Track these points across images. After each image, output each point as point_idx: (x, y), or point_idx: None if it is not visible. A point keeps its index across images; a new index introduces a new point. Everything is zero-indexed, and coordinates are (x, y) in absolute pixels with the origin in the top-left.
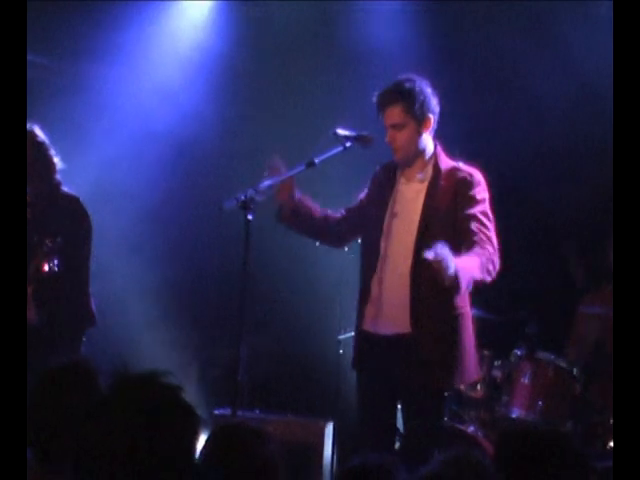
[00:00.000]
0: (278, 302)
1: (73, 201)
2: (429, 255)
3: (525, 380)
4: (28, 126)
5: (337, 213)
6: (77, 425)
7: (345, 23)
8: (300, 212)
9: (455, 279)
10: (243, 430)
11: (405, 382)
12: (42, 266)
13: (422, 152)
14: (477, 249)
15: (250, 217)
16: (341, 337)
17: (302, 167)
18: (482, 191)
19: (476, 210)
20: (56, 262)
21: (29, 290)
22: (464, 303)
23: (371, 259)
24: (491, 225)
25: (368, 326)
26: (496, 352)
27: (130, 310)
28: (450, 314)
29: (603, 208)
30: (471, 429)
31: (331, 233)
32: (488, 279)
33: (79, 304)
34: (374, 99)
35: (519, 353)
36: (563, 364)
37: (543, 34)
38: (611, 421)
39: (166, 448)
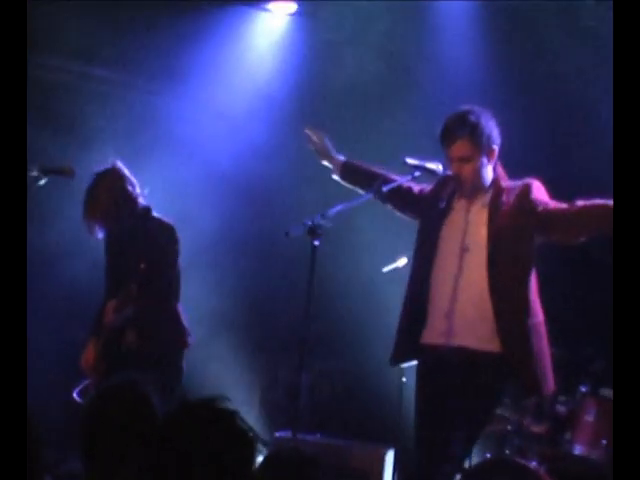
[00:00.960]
0: (344, 327)
1: (163, 227)
2: None
3: (589, 417)
4: (111, 163)
5: (394, 179)
6: (131, 446)
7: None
8: (350, 172)
9: None
10: (295, 455)
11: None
12: (134, 291)
13: (485, 181)
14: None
15: (317, 243)
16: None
17: (370, 195)
18: (542, 192)
19: (548, 207)
20: (148, 287)
21: (125, 314)
22: (538, 312)
23: (423, 277)
24: (565, 204)
25: (433, 339)
26: (561, 388)
27: (199, 333)
28: (530, 323)
29: None
30: (533, 464)
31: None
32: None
33: (172, 324)
34: (439, 132)
35: (584, 390)
36: None
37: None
38: None
39: (221, 473)
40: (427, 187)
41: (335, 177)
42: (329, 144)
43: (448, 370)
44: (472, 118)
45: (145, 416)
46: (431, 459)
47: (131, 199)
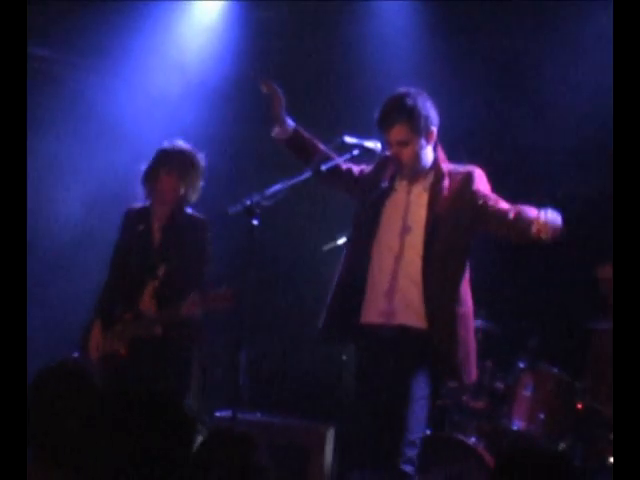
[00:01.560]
0: (282, 305)
1: (198, 223)
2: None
3: (527, 392)
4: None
5: (332, 157)
6: (74, 426)
7: (352, 24)
8: (298, 139)
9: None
10: (232, 436)
11: (410, 378)
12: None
13: (425, 163)
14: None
15: (255, 222)
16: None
17: (309, 174)
18: (484, 183)
19: (487, 200)
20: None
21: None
22: (464, 302)
23: (361, 255)
24: (503, 201)
25: (373, 318)
26: (498, 363)
27: None
28: (456, 312)
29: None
30: (472, 440)
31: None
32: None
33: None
34: (376, 116)
35: (521, 365)
36: (565, 377)
37: (552, 32)
38: (611, 436)
39: (162, 452)
40: (367, 168)
41: (278, 139)
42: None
43: (389, 349)
44: (409, 101)
45: (84, 392)
46: (373, 438)
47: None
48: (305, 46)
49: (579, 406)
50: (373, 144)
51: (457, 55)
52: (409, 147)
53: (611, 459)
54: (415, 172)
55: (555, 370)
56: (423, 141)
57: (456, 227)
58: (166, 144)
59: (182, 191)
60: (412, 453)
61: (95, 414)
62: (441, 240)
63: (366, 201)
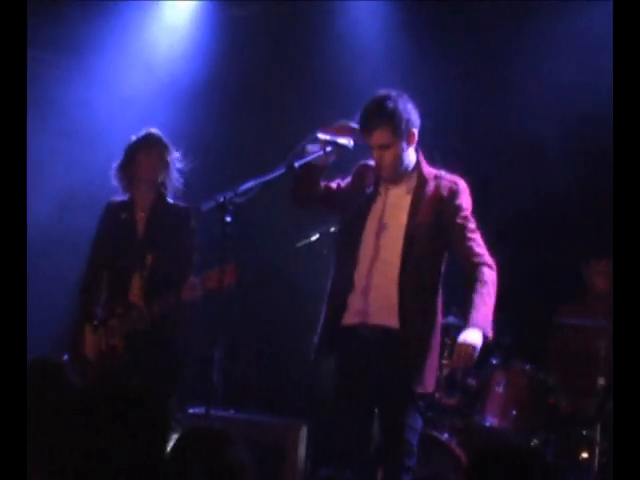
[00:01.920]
0: (256, 303)
1: (182, 211)
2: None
3: (499, 389)
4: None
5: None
6: (49, 420)
7: (331, 23)
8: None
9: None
10: (210, 433)
11: (387, 379)
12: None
13: (407, 165)
14: (486, 276)
15: (229, 219)
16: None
17: (282, 170)
18: (467, 199)
19: (466, 222)
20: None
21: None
22: (438, 312)
23: (348, 263)
24: (478, 233)
25: (352, 319)
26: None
27: None
28: (430, 319)
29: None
30: (445, 436)
31: (309, 193)
32: (492, 288)
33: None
34: (358, 120)
35: (494, 362)
36: (537, 374)
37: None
38: (584, 431)
39: (136, 449)
40: (343, 181)
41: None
42: None
43: (366, 350)
44: (389, 104)
45: (58, 386)
46: (354, 439)
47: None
48: (279, 45)
49: (551, 402)
50: (346, 140)
51: (431, 54)
52: (390, 150)
53: (584, 454)
54: (397, 175)
55: (527, 367)
56: (404, 144)
57: (435, 233)
58: (139, 133)
59: (162, 176)
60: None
61: (69, 412)
62: (421, 244)
63: (350, 209)
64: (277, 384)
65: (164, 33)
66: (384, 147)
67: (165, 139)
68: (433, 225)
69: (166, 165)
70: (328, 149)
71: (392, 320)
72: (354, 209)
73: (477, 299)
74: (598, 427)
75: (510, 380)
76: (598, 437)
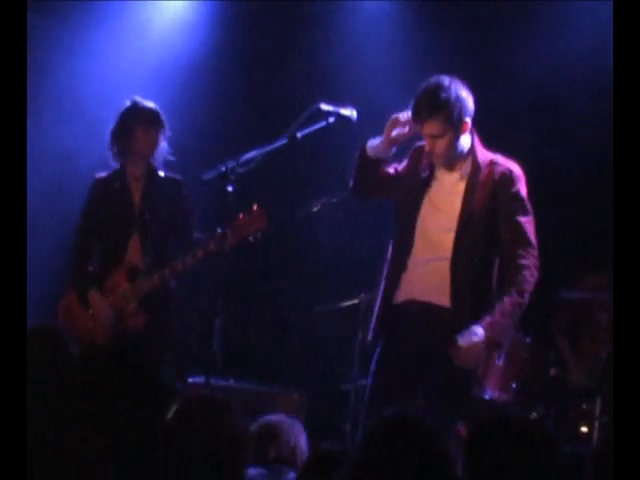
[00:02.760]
0: (257, 273)
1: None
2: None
3: (499, 361)
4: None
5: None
6: (49, 389)
7: (330, 21)
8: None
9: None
10: (209, 402)
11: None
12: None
13: (461, 151)
14: (523, 284)
15: (230, 188)
16: (318, 309)
17: (284, 141)
18: (523, 187)
19: (516, 214)
20: None
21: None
22: (491, 297)
23: (404, 245)
24: (532, 224)
25: (403, 297)
26: None
27: None
28: (482, 303)
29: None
30: None
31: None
32: (527, 296)
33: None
34: (410, 110)
35: None
36: (538, 347)
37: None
38: (584, 405)
39: (134, 422)
40: (400, 165)
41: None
42: None
43: (415, 326)
44: (442, 95)
45: (58, 357)
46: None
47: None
48: (276, 40)
49: (551, 375)
50: (349, 112)
51: (436, 49)
52: (443, 140)
53: (583, 428)
54: (449, 162)
55: (528, 339)
56: (457, 133)
57: (489, 219)
58: (135, 100)
59: (157, 150)
60: None
61: (69, 381)
62: (475, 229)
63: (406, 192)
64: (278, 354)
65: (161, 23)
66: (436, 137)
67: (163, 115)
68: (487, 212)
69: (161, 141)
70: (331, 120)
71: (443, 299)
72: (410, 192)
73: (499, 305)
74: (598, 401)
75: (510, 353)
76: (597, 411)
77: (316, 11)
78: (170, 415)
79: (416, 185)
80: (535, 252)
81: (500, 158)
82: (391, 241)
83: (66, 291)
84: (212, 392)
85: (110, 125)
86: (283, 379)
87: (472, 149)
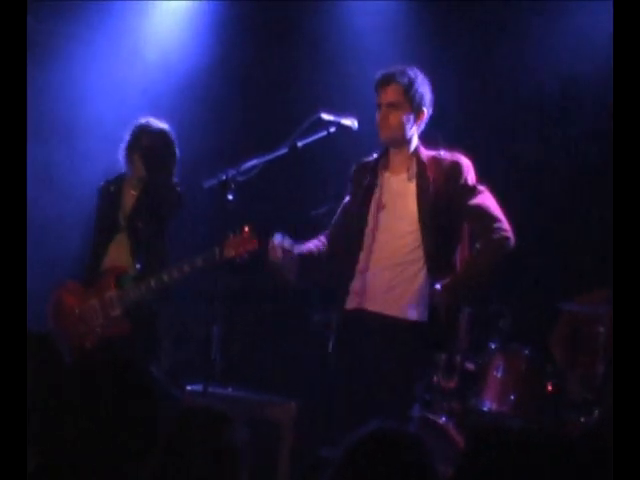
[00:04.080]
0: (257, 280)
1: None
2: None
3: (498, 373)
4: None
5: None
6: (44, 397)
7: (329, 20)
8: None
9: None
10: (208, 413)
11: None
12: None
13: (407, 143)
14: (480, 246)
15: (230, 197)
16: (318, 318)
17: (285, 150)
18: (471, 175)
19: (475, 200)
20: None
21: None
22: None
23: (351, 253)
24: (491, 200)
25: (352, 305)
26: (470, 344)
27: None
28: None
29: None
30: (442, 420)
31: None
32: (500, 251)
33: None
34: (376, 76)
35: (493, 346)
36: (536, 359)
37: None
38: (582, 419)
39: (129, 425)
40: (345, 202)
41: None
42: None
43: (364, 333)
44: (412, 73)
45: (50, 362)
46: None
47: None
48: (278, 48)
49: (549, 388)
50: (350, 121)
51: (433, 49)
52: (397, 112)
53: None
54: (395, 142)
55: (526, 351)
56: (412, 115)
57: (447, 216)
58: (141, 122)
59: (154, 171)
60: None
61: (61, 385)
62: (435, 229)
63: (352, 204)
64: (278, 362)
65: (161, 25)
66: (392, 106)
67: (161, 132)
68: (444, 207)
69: (159, 165)
70: (332, 130)
71: (399, 308)
72: (353, 202)
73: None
74: (595, 414)
75: (509, 365)
76: (596, 424)
77: (318, 18)
78: (169, 426)
79: (359, 195)
80: (503, 223)
81: (444, 153)
82: (334, 250)
83: (54, 293)
84: (211, 402)
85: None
86: (282, 387)
87: (416, 149)
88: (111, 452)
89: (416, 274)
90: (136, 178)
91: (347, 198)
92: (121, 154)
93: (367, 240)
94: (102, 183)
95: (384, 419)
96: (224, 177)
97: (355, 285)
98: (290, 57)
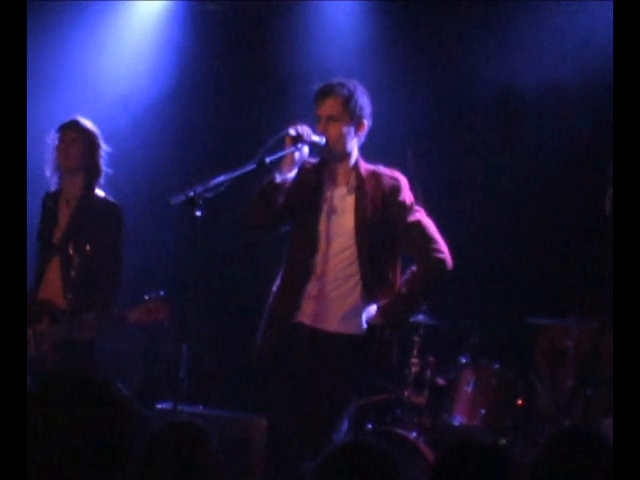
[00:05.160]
0: (225, 298)
1: (110, 207)
2: None
3: (468, 388)
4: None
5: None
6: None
7: (301, 19)
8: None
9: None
10: (188, 428)
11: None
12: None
13: (348, 155)
14: (418, 267)
15: (198, 213)
16: None
17: (253, 166)
18: (409, 193)
19: (412, 218)
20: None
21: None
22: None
23: (303, 268)
24: (428, 220)
25: (307, 320)
26: (440, 359)
27: None
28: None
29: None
30: (413, 435)
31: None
32: (437, 273)
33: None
34: (314, 88)
35: (463, 360)
36: (506, 373)
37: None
38: (551, 432)
39: (99, 441)
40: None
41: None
42: None
43: (313, 351)
44: (351, 85)
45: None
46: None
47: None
48: (249, 40)
49: (519, 402)
50: (318, 137)
51: (401, 54)
52: (337, 124)
53: None
54: (335, 155)
55: (496, 366)
56: (352, 128)
57: (384, 232)
58: (67, 122)
59: (86, 164)
60: None
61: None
62: (373, 244)
63: (298, 216)
64: (244, 379)
65: (133, 30)
66: (332, 119)
67: (89, 125)
68: (381, 223)
69: (90, 153)
70: (300, 146)
71: (343, 326)
72: (304, 216)
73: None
74: (565, 427)
75: (479, 379)
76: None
77: (285, 28)
78: (147, 439)
79: (309, 204)
80: (441, 245)
81: (382, 168)
82: (284, 264)
83: None
84: (188, 419)
85: None
86: (253, 405)
87: (357, 163)
88: (76, 466)
89: (352, 289)
90: (70, 193)
91: (289, 180)
92: (48, 165)
93: (318, 260)
94: (43, 195)
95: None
96: (191, 193)
97: (296, 300)
98: (260, 68)
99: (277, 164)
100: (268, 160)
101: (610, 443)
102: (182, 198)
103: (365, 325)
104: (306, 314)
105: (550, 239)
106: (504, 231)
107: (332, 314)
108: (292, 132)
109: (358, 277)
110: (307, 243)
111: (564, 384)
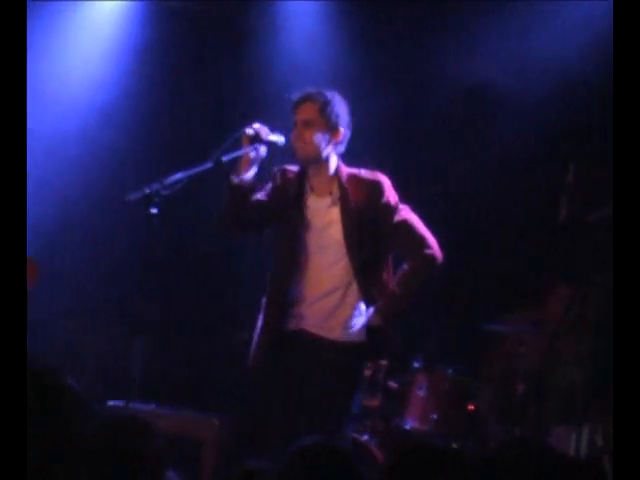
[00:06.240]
0: (180, 297)
1: None
2: None
3: (421, 392)
4: None
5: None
6: None
7: (264, 18)
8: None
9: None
10: (132, 423)
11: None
12: None
13: (325, 162)
14: (409, 266)
15: (154, 211)
16: (244, 337)
17: (209, 165)
18: (392, 193)
19: (399, 218)
20: None
21: None
22: None
23: (289, 280)
24: (414, 217)
25: (310, 328)
26: (393, 362)
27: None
28: None
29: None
30: (365, 438)
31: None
32: (429, 269)
33: None
34: (291, 96)
35: (416, 365)
36: (459, 378)
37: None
38: (502, 437)
39: (52, 435)
40: (265, 189)
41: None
42: None
43: (305, 356)
44: (328, 94)
45: None
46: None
47: None
48: (211, 40)
49: (471, 407)
50: (276, 137)
51: (369, 55)
52: (312, 130)
53: None
54: (309, 162)
55: (450, 371)
56: (327, 135)
57: (374, 238)
58: None
59: None
60: None
61: None
62: (365, 251)
63: (281, 225)
64: (198, 379)
65: (90, 31)
66: (308, 124)
67: None
68: (368, 231)
69: None
70: (257, 146)
71: (335, 332)
72: (285, 228)
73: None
74: (516, 432)
75: (432, 384)
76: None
77: (250, 25)
78: (92, 434)
79: (290, 212)
80: (430, 241)
81: (364, 172)
82: (270, 276)
83: None
84: (133, 413)
85: None
86: (205, 404)
87: (337, 170)
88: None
89: (351, 297)
90: None
91: (264, 192)
92: None
93: (299, 265)
94: None
95: (319, 435)
96: (148, 191)
97: (294, 310)
98: (221, 65)
99: (234, 164)
100: (225, 159)
101: (557, 453)
102: (138, 195)
103: (364, 326)
104: (307, 323)
105: (506, 244)
106: (459, 236)
107: (334, 322)
108: (249, 131)
109: (354, 285)
110: (292, 254)
111: (515, 390)
